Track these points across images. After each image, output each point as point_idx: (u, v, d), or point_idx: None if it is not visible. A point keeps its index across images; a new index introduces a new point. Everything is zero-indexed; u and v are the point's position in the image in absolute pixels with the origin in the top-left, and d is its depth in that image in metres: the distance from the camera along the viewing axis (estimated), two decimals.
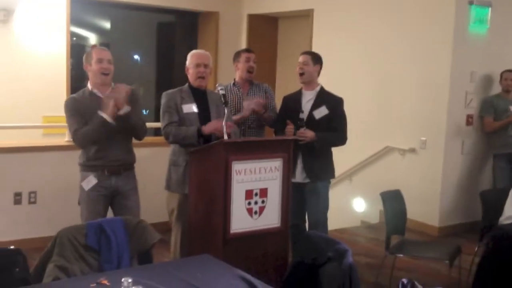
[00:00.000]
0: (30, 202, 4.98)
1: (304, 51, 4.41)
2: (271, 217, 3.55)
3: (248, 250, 3.47)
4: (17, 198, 4.93)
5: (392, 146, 5.95)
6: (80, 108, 3.58)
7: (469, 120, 5.75)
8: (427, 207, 5.65)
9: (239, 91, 4.43)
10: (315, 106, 4.19)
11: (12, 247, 2.71)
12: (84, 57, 3.70)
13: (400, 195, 4.29)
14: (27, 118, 5.78)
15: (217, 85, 3.83)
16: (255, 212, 3.48)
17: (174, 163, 3.90)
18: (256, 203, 3.48)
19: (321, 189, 4.24)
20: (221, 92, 3.71)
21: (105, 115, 3.49)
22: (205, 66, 3.85)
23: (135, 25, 8.20)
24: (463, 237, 5.34)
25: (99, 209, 3.68)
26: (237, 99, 4.39)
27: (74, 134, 3.57)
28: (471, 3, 5.51)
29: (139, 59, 8.47)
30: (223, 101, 3.69)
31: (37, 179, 5.00)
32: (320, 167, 4.21)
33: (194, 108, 3.82)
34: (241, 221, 3.42)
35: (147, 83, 8.24)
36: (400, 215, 4.22)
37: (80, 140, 3.58)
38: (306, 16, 6.87)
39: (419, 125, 5.77)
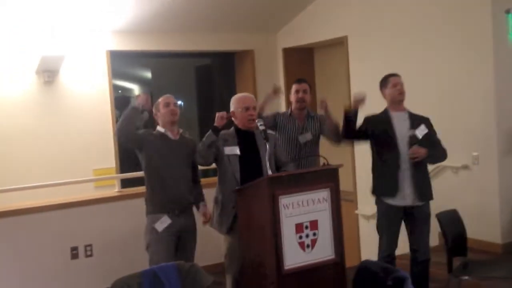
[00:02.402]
0: (87, 256, 5.06)
1: (396, 73, 4.32)
2: (324, 249, 3.50)
3: (304, 285, 3.41)
4: (74, 253, 5.02)
5: (444, 165, 5.77)
6: (150, 140, 3.87)
7: None
8: (488, 224, 5.43)
9: (294, 123, 4.56)
10: (414, 125, 4.15)
11: None
12: (154, 107, 4.04)
13: (457, 215, 4.14)
14: (78, 173, 5.92)
15: (256, 121, 3.83)
16: (308, 246, 3.43)
17: (215, 200, 3.95)
18: (307, 236, 3.43)
19: (427, 210, 4.14)
20: (261, 128, 3.73)
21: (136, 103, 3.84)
22: (254, 108, 3.91)
23: (175, 72, 8.39)
24: None
25: (171, 249, 3.82)
26: (293, 131, 4.53)
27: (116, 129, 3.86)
28: (508, 12, 5.38)
29: (182, 104, 8.63)
30: (264, 137, 3.70)
31: (92, 232, 5.09)
32: (427, 187, 4.15)
33: (236, 151, 3.83)
34: (294, 256, 3.38)
35: (191, 126, 8.36)
36: (460, 235, 4.07)
37: (118, 128, 3.81)
38: (340, 43, 6.87)
39: (470, 141, 5.60)
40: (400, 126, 4.13)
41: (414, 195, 4.06)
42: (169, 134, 3.96)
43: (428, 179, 4.20)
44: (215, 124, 3.75)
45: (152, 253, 3.81)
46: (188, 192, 3.96)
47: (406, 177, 4.04)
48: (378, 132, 4.16)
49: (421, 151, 3.99)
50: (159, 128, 3.99)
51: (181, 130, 4.05)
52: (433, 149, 4.11)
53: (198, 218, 4.05)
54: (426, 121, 4.24)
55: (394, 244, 4.18)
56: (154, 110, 4.04)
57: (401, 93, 4.21)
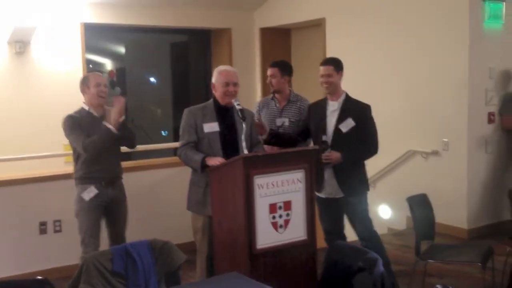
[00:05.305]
0: (55, 231, 5.00)
1: (323, 60, 4.22)
2: (297, 230, 3.51)
3: (276, 265, 3.43)
4: (42, 228, 4.96)
5: (415, 150, 5.87)
6: (80, 124, 3.95)
7: (491, 118, 5.66)
8: (455, 209, 5.55)
9: (275, 105, 4.64)
10: (341, 119, 4.03)
11: (39, 277, 2.71)
12: (80, 82, 4.05)
13: (427, 199, 4.21)
14: (48, 147, 5.79)
15: (233, 100, 3.77)
16: (281, 226, 3.44)
17: (194, 183, 3.85)
18: (280, 216, 3.43)
19: (357, 204, 4.13)
20: (238, 107, 3.69)
21: (110, 126, 3.86)
22: (234, 84, 3.76)
23: (149, 48, 8.26)
24: (494, 238, 5.23)
25: (98, 216, 4.01)
26: (272, 114, 4.61)
27: (84, 145, 3.87)
28: None
29: (155, 81, 8.52)
30: (240, 116, 3.67)
31: (61, 207, 5.00)
32: (354, 181, 4.09)
33: (215, 127, 3.75)
34: (267, 236, 3.38)
35: (165, 103, 8.28)
36: (428, 219, 4.14)
37: (91, 149, 3.87)
38: (318, 25, 6.86)
39: (440, 127, 5.69)
40: (331, 117, 4.08)
41: (334, 188, 4.08)
42: (94, 112, 4.01)
43: (355, 174, 4.11)
44: (209, 164, 3.55)
45: (81, 222, 3.98)
46: (116, 164, 4.09)
47: (326, 171, 4.05)
48: (313, 124, 4.17)
49: (332, 157, 3.97)
50: (84, 106, 4.03)
51: (108, 102, 4.09)
52: (355, 148, 4.03)
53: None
54: (362, 110, 4.09)
55: (337, 232, 4.19)
56: (81, 86, 4.02)
57: (325, 86, 4.12)
